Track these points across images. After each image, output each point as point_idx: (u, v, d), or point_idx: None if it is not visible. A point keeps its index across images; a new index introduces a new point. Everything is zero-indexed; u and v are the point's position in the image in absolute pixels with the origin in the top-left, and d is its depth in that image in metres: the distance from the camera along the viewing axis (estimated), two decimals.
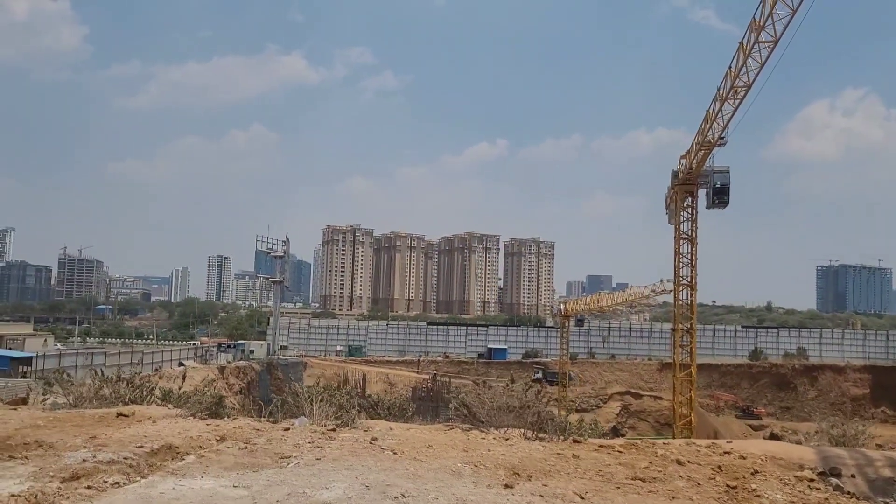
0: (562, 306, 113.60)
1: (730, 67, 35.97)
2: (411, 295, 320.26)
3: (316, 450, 9.08)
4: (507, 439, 10.52)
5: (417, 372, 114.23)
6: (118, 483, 6.90)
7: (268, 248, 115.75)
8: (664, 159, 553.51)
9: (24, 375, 60.65)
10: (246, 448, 8.95)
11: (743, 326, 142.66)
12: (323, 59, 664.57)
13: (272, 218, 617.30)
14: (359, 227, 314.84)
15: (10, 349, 74.80)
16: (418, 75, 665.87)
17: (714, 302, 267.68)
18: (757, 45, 32.13)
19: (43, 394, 13.22)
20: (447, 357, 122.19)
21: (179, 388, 14.42)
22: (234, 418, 11.38)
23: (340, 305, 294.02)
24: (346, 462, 8.43)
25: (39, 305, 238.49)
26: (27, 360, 62.53)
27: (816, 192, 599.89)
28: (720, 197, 48.16)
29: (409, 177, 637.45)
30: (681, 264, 49.40)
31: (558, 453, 9.66)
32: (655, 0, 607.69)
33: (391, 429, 10.83)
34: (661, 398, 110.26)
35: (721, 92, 37.77)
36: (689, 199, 49.85)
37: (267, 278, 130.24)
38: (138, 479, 7.20)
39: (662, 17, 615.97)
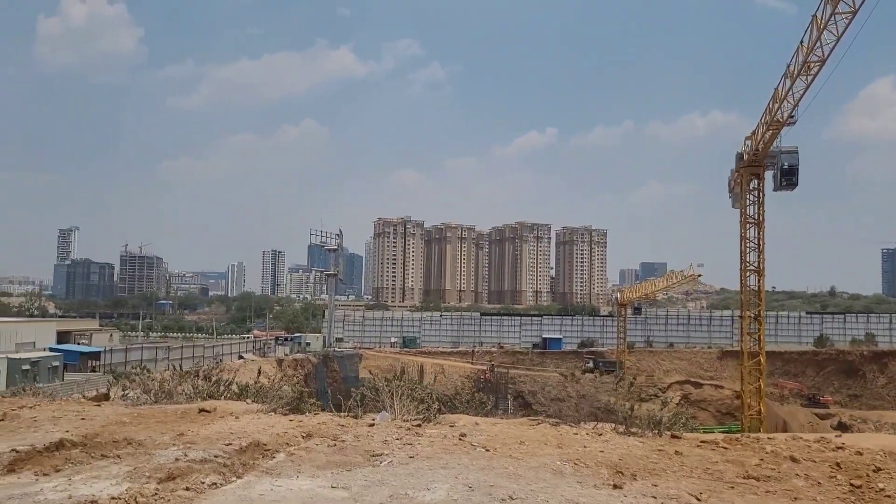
0: (618, 295, 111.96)
1: (801, 42, 34.37)
2: (463, 286, 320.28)
3: (406, 447, 8.73)
4: (600, 434, 10.01)
5: (472, 363, 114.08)
6: (215, 484, 6.64)
7: (321, 242, 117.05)
8: (719, 143, 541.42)
9: (93, 370, 62.54)
10: (335, 445, 8.64)
11: (807, 312, 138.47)
12: (371, 52, 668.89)
13: (323, 211, 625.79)
14: (409, 218, 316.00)
15: (79, 344, 77.26)
16: (466, 66, 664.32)
17: (774, 287, 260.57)
18: (833, 16, 30.61)
19: (123, 389, 13.22)
20: (501, 347, 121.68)
21: (256, 383, 14.29)
22: (316, 413, 11.14)
23: (393, 297, 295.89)
24: (441, 460, 8.04)
25: (103, 302, 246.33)
26: (96, 355, 64.43)
27: (881, 173, 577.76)
28: (788, 178, 46.51)
29: (459, 168, 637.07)
30: (748, 249, 47.84)
31: (659, 450, 9.12)
32: None
33: (477, 424, 10.43)
34: (721, 387, 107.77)
35: (791, 68, 36.24)
36: (756, 181, 48.24)
37: (321, 271, 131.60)
38: (234, 479, 6.93)
39: None
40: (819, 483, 8.10)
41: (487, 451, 8.66)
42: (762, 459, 8.87)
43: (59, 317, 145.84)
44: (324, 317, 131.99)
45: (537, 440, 9.34)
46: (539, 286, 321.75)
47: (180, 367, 15.93)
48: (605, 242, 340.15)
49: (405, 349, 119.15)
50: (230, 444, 8.47)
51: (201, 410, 10.84)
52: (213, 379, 13.30)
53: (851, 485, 8.04)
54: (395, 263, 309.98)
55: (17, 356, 52.76)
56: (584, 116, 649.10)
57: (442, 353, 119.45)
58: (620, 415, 10.45)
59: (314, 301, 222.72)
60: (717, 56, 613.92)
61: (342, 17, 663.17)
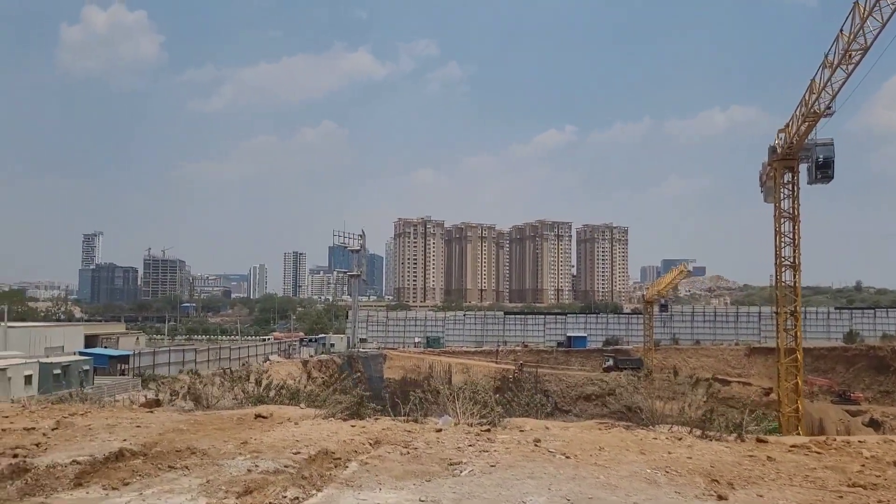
0: (644, 292, 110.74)
1: (841, 31, 33.47)
2: (484, 285, 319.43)
3: (483, 454, 8.25)
4: (679, 439, 9.47)
5: (496, 362, 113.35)
6: (298, 498, 6.19)
7: (344, 243, 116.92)
8: (740, 138, 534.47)
9: (122, 373, 62.77)
10: (408, 453, 8.18)
11: (836, 308, 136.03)
12: (388, 53, 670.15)
13: (343, 212, 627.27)
14: (429, 218, 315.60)
15: (105, 347, 77.62)
16: (483, 65, 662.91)
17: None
18: (878, 3, 29.67)
19: (171, 395, 12.87)
20: (526, 346, 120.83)
21: (305, 387, 13.90)
22: (377, 418, 10.69)
23: (414, 297, 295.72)
24: (525, 469, 7.55)
25: (128, 305, 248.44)
26: (125, 358, 64.66)
27: None
28: (823, 171, 45.44)
29: (478, 167, 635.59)
30: (782, 244, 46.82)
31: (749, 455, 8.56)
32: None
33: (547, 428, 9.94)
34: (749, 384, 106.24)
35: (831, 58, 35.25)
36: (790, 174, 47.19)
37: (344, 272, 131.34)
38: (314, 492, 6.48)
39: None
40: None
41: (568, 458, 8.17)
42: (863, 465, 8.29)
43: (86, 321, 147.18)
44: (347, 318, 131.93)
45: (617, 446, 8.83)
46: (560, 284, 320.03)
47: (230, 371, 15.58)
48: (627, 240, 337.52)
49: (429, 349, 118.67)
50: (298, 452, 8.05)
51: (258, 416, 10.44)
52: (263, 383, 12.89)
53: None
54: (415, 263, 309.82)
55: (48, 360, 53.00)
56: (603, 113, 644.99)
57: (466, 352, 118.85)
58: (728, 419, 9.85)
59: (336, 302, 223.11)
60: (736, 50, 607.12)
61: (359, 19, 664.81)
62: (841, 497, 7.26)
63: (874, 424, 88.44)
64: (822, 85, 37.44)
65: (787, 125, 45.84)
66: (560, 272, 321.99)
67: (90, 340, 78.89)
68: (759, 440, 9.52)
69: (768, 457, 8.54)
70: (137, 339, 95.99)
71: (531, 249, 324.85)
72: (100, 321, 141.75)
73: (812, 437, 10.18)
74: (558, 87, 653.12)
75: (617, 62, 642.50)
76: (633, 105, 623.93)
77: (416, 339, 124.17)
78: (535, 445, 8.76)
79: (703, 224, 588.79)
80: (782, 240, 47.04)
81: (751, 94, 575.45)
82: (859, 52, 32.94)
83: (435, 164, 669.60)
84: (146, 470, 7.28)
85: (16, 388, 47.31)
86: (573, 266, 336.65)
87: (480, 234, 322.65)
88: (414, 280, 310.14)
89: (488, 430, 9.53)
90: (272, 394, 12.77)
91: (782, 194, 47.34)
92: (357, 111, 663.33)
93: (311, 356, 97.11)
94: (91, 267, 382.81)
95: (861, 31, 31.86)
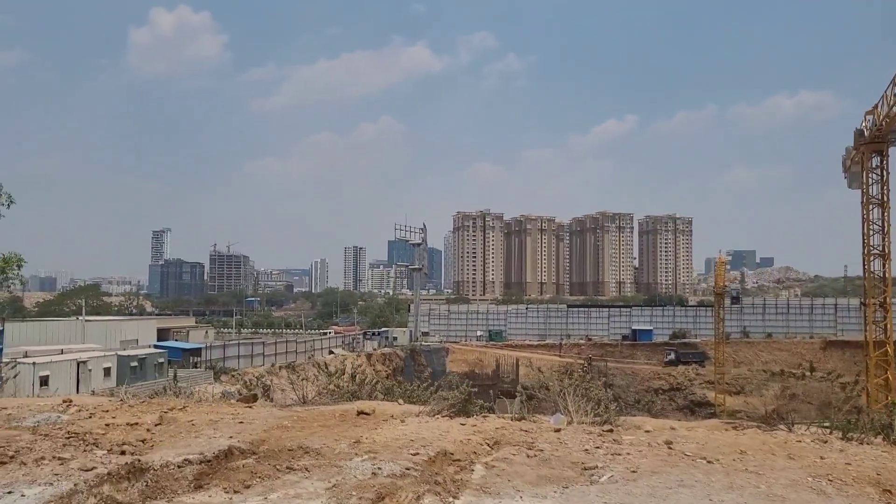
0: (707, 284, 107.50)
1: None
2: (543, 278, 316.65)
3: (616, 458, 7.57)
4: (825, 441, 8.60)
5: (560, 355, 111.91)
6: None
7: (405, 237, 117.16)
8: (810, 124, 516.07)
9: (195, 366, 64.08)
10: (535, 456, 7.56)
11: None
12: (446, 47, 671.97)
13: (402, 207, 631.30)
14: (488, 211, 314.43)
15: (177, 340, 79.47)
16: (541, 56, 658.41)
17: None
18: None
19: (264, 389, 12.59)
20: (590, 340, 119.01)
21: (398, 382, 13.43)
22: (485, 416, 10.12)
23: (473, 291, 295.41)
24: (671, 476, 6.83)
25: (195, 299, 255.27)
26: (197, 351, 66.02)
27: None
28: None
29: (537, 159, 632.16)
30: (871, 231, 44.41)
31: None
32: None
33: (673, 428, 9.20)
34: (826, 379, 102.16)
35: None
36: (878, 158, 44.69)
37: (405, 266, 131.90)
38: (450, 499, 5.92)
39: None
40: None
41: (710, 462, 7.42)
42: None
43: (157, 315, 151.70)
44: (409, 311, 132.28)
45: (759, 449, 8.03)
46: (622, 277, 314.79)
47: (325, 366, 15.26)
48: (690, 231, 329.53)
49: (491, 342, 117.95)
50: (416, 453, 7.51)
51: (360, 413, 9.97)
52: (358, 378, 12.46)
53: None
54: (475, 257, 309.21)
55: (125, 353, 54.41)
56: (665, 102, 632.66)
57: (529, 346, 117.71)
58: (872, 418, 8.94)
59: (396, 296, 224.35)
60: (804, 34, 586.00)
61: (417, 13, 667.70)
62: None
63: None
64: None
65: (876, 106, 43.38)
66: (622, 264, 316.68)
67: (162, 334, 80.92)
68: None
69: None
70: (206, 332, 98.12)
71: (592, 242, 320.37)
72: (169, 315, 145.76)
73: None
74: (618, 75, 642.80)
75: (677, 49, 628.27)
76: (696, 92, 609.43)
77: (479, 333, 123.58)
78: (669, 448, 8.03)
79: (771, 214, 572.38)
80: (870, 227, 44.62)
81: (820, 79, 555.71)
82: None
83: (493, 158, 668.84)
84: (265, 471, 6.83)
85: (95, 380, 48.74)
86: (635, 258, 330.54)
87: (540, 227, 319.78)
88: (473, 273, 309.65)
89: (611, 431, 8.84)
90: (367, 389, 12.35)
91: (871, 179, 44.88)
92: (415, 105, 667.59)
93: (375, 349, 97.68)
94: (160, 263, 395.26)
95: None
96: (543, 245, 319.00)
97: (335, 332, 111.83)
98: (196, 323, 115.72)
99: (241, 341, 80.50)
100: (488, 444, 8.19)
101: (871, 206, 44.72)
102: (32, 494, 5.76)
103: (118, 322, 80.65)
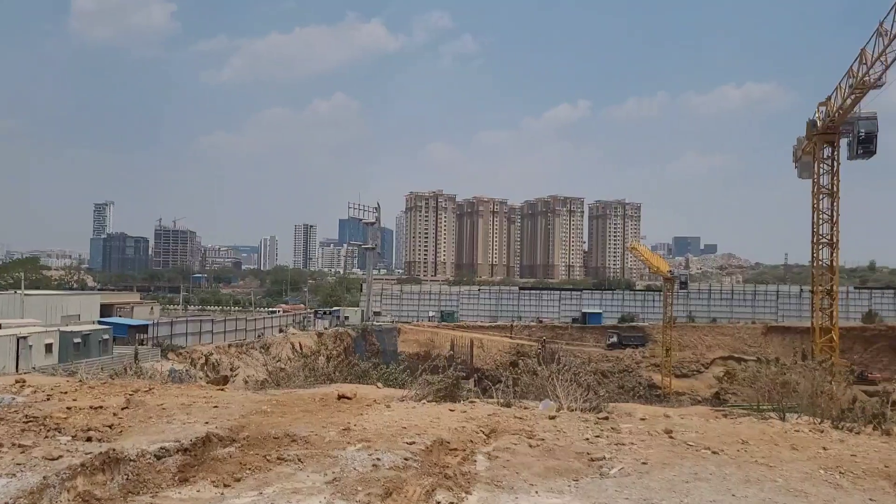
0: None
1: None
2: (495, 260, 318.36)
3: (620, 448, 7.26)
4: (822, 431, 8.48)
5: (511, 337, 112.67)
6: (452, 503, 5.21)
7: (359, 216, 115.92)
8: (755, 115, 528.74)
9: (141, 343, 62.24)
10: (538, 446, 7.20)
11: (855, 287, 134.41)
12: (402, 25, 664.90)
13: (354, 185, 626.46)
14: (441, 192, 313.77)
15: (121, 316, 77.21)
16: (497, 38, 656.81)
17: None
18: None
19: (231, 369, 11.96)
20: (541, 322, 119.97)
21: (387, 365, 12.92)
22: (472, 402, 9.72)
23: (425, 271, 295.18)
24: (684, 468, 6.55)
25: (140, 275, 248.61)
26: (143, 328, 64.13)
27: None
28: (865, 146, 43.97)
29: (490, 141, 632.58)
30: (820, 221, 45.49)
31: None
32: None
33: (668, 416, 8.98)
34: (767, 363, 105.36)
35: (885, 26, 33.71)
36: (829, 149, 45.73)
37: (358, 245, 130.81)
38: (463, 494, 5.50)
39: None
40: None
41: (716, 453, 7.17)
42: None
43: (99, 290, 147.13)
44: (361, 290, 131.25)
45: (760, 439, 7.83)
46: (571, 260, 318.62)
47: (300, 347, 14.64)
48: (639, 216, 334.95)
49: (443, 323, 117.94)
50: (412, 442, 7.06)
51: (341, 397, 9.47)
52: (332, 363, 11.94)
53: None
54: (426, 237, 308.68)
55: (68, 329, 52.44)
56: (617, 88, 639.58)
57: (480, 327, 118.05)
58: (869, 407, 8.83)
59: (347, 275, 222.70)
60: (751, 25, 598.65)
61: None
62: None
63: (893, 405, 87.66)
64: (874, 56, 35.90)
65: (829, 98, 44.30)
66: (571, 248, 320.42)
67: (105, 310, 78.44)
68: None
69: None
70: (152, 309, 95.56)
71: (543, 225, 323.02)
72: (112, 290, 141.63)
73: None
74: (572, 60, 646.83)
75: (630, 35, 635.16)
76: (648, 79, 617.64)
77: (431, 314, 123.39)
78: (670, 437, 7.77)
79: (717, 201, 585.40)
80: (820, 217, 45.71)
81: (766, 71, 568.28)
82: None
83: (448, 138, 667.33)
84: (254, 462, 6.30)
85: (36, 357, 46.84)
86: (585, 242, 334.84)
87: (492, 209, 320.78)
88: (425, 254, 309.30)
89: (607, 418, 8.56)
90: (343, 372, 11.83)
91: (822, 170, 45.90)
92: (369, 84, 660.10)
93: (326, 329, 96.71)
94: (102, 236, 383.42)
95: None
96: (495, 227, 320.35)
97: (283, 311, 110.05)
98: (141, 299, 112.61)
99: (189, 318, 78.59)
100: (484, 433, 7.80)
101: (821, 196, 45.80)
102: None
103: (59, 297, 77.80)
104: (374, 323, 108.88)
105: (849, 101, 41.02)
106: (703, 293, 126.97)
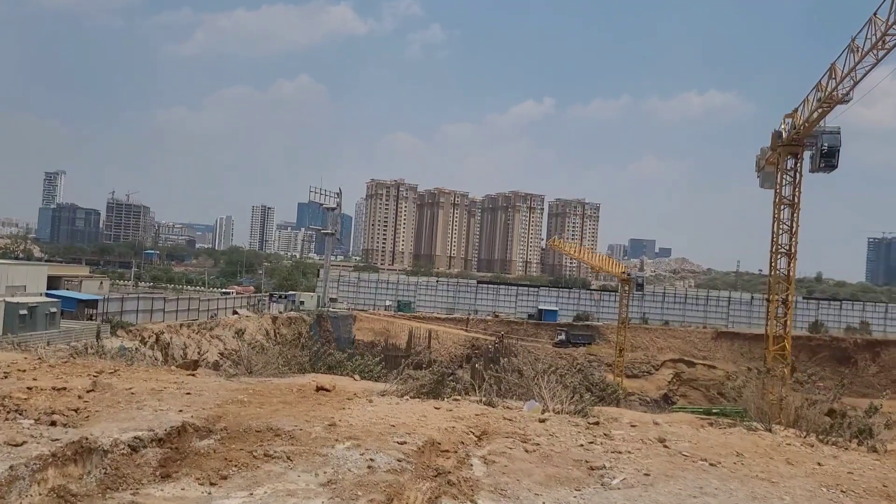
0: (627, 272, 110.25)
1: (875, 14, 32.39)
2: (453, 252, 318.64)
3: (617, 455, 7.03)
4: (812, 445, 8.37)
5: (466, 330, 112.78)
6: None
7: (320, 200, 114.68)
8: (716, 123, 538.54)
9: (90, 318, 60.44)
10: (534, 451, 6.91)
11: (803, 298, 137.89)
12: (371, 9, 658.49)
13: (315, 170, 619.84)
14: (403, 182, 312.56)
15: (69, 290, 74.82)
16: (466, 30, 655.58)
17: (760, 271, 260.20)
18: None
19: (199, 352, 11.40)
20: (497, 316, 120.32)
21: (354, 356, 12.53)
22: (456, 399, 9.39)
23: (382, 260, 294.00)
24: (688, 481, 6.33)
25: (89, 248, 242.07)
26: (93, 303, 62.27)
27: (872, 161, 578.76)
28: (828, 160, 44.88)
29: (454, 134, 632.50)
30: (780, 231, 46.33)
31: None
32: None
33: (656, 423, 8.79)
34: (714, 367, 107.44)
35: (857, 42, 34.28)
36: (793, 161, 46.56)
37: (317, 230, 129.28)
38: (468, 503, 5.18)
39: None
40: None
41: (713, 465, 6.99)
42: None
43: (47, 261, 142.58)
44: (317, 275, 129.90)
45: (754, 452, 7.68)
46: (529, 256, 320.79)
47: (275, 333, 14.12)
48: (598, 216, 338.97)
49: (399, 313, 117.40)
50: (403, 442, 6.71)
51: (319, 388, 9.06)
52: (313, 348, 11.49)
53: None
54: (386, 226, 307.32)
55: (13, 300, 50.52)
56: (582, 88, 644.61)
57: (436, 318, 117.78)
58: (856, 423, 8.75)
59: (304, 259, 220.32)
60: (716, 34, 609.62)
61: None
62: None
63: (831, 414, 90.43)
64: (845, 71, 36.53)
65: (796, 110, 45.05)
66: (530, 244, 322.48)
67: (53, 282, 75.90)
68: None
69: None
70: (101, 283, 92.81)
71: (503, 220, 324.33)
72: (60, 262, 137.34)
73: None
74: (539, 58, 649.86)
75: (599, 37, 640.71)
76: (613, 81, 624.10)
77: (387, 303, 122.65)
78: (665, 447, 7.57)
79: (672, 206, 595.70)
80: (780, 227, 46.55)
81: (728, 80, 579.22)
82: None
83: (412, 129, 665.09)
84: (240, 458, 5.86)
85: None
86: (543, 239, 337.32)
87: (453, 201, 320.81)
88: (383, 242, 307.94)
89: (598, 424, 8.32)
90: (317, 362, 11.40)
91: (784, 180, 46.72)
92: (335, 67, 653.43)
93: (281, 313, 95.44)
94: (52, 206, 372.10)
95: None
96: (455, 219, 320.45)
97: (236, 293, 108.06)
98: (90, 273, 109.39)
99: (140, 295, 76.57)
100: (475, 434, 7.49)
101: (782, 207, 46.61)
102: None
103: (4, 266, 74.99)
104: (330, 309, 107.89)
105: (815, 115, 41.76)
106: (658, 296, 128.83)
